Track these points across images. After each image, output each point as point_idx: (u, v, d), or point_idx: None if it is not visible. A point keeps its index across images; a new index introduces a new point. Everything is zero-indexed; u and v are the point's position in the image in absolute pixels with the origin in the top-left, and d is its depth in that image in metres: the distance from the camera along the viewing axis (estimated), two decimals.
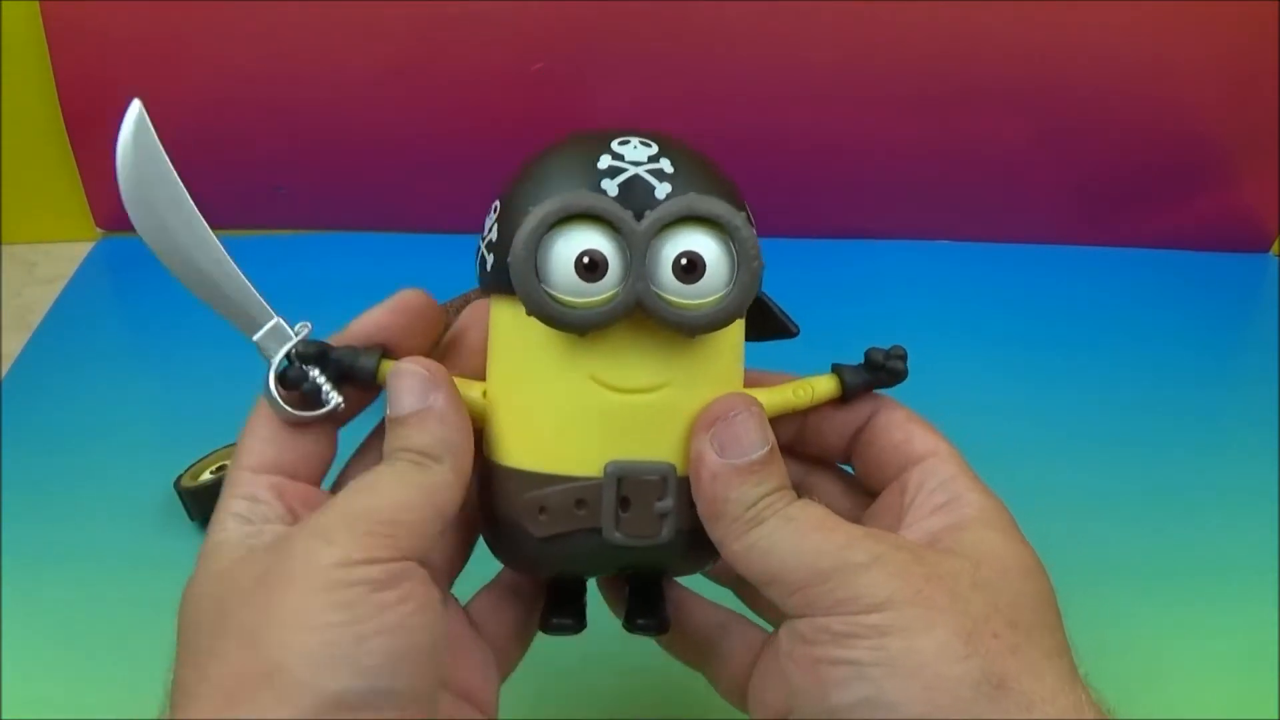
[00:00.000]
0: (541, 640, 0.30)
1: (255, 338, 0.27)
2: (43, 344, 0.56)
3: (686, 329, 0.25)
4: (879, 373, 0.29)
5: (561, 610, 0.29)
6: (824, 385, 0.29)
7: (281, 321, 0.27)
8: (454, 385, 0.26)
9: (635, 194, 0.25)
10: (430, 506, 0.25)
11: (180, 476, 0.45)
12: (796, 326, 0.29)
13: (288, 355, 0.27)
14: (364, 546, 0.23)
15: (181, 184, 0.30)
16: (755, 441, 0.26)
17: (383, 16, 0.56)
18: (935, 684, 0.23)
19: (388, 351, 0.27)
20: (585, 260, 0.24)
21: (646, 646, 0.31)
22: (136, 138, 0.30)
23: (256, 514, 0.26)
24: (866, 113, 0.59)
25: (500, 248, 0.26)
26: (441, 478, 0.25)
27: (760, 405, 0.26)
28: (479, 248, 0.28)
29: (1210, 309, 0.60)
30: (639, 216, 0.25)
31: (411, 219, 0.64)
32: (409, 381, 0.26)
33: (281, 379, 0.26)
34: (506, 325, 0.27)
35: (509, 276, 0.25)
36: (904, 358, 0.29)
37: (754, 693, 0.28)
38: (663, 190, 0.25)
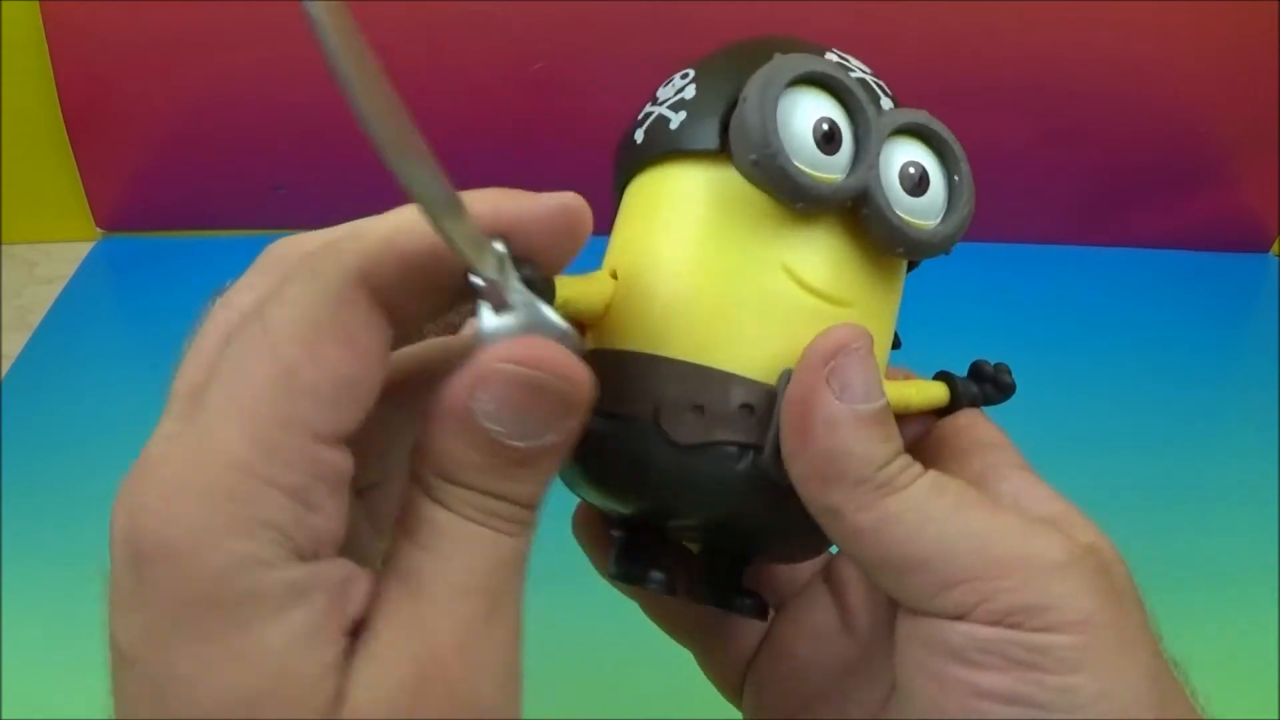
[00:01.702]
0: (536, 641, 0.28)
1: (457, 241, 0.17)
2: (43, 344, 0.56)
3: (900, 243, 0.22)
4: (987, 385, 0.25)
5: (645, 558, 0.23)
6: (936, 391, 0.25)
7: (482, 235, 0.18)
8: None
9: (869, 92, 0.22)
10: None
11: None
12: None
13: (514, 281, 0.18)
14: (513, 706, 0.17)
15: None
16: (876, 387, 0.20)
17: (383, 17, 0.56)
18: None
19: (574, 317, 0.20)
20: (825, 127, 0.21)
21: (643, 644, 0.30)
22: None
23: (308, 534, 0.17)
24: None
25: (701, 104, 0.22)
26: (527, 547, 0.18)
27: (873, 341, 0.21)
28: (644, 115, 0.24)
29: (1210, 309, 0.60)
30: (877, 109, 0.22)
31: None
32: (537, 401, 0.17)
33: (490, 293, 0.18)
34: (678, 193, 0.22)
35: (705, 132, 0.22)
36: (1010, 373, 0.26)
37: (764, 682, 0.25)
38: (888, 103, 0.23)
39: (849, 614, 0.25)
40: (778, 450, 0.20)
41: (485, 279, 0.18)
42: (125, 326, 0.60)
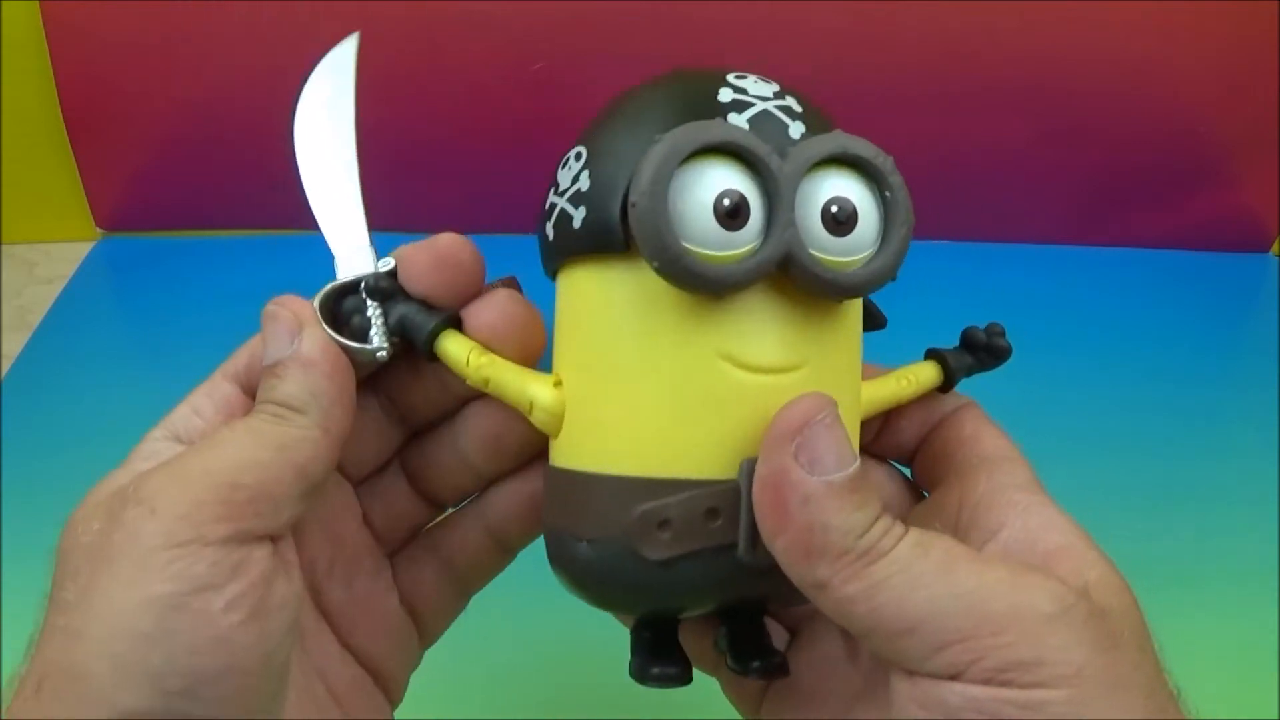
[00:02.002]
0: (536, 641, 0.29)
1: (337, 250, 0.25)
2: (43, 344, 0.56)
3: (838, 292, 0.21)
4: (981, 353, 0.25)
5: (660, 654, 0.23)
6: (926, 373, 0.25)
7: (372, 255, 0.24)
8: (322, 328, 0.23)
9: (769, 132, 0.21)
10: (286, 465, 0.21)
11: None
12: (884, 317, 0.25)
13: (359, 282, 0.23)
14: (193, 520, 0.19)
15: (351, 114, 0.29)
16: (847, 454, 0.20)
17: (383, 17, 0.56)
18: None
19: (457, 321, 0.23)
20: (726, 203, 0.20)
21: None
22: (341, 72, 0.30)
23: (188, 430, 0.23)
24: (866, 113, 0.59)
25: (597, 199, 0.21)
26: (302, 431, 0.21)
27: (836, 405, 0.21)
28: (550, 207, 0.23)
29: (1210, 309, 0.60)
30: (782, 156, 0.20)
31: (411, 219, 0.64)
32: (274, 326, 0.23)
33: (339, 302, 0.23)
34: (599, 296, 0.22)
35: (608, 234, 0.21)
36: (1004, 333, 0.25)
37: (779, 708, 0.26)
38: (796, 130, 0.21)
39: (854, 645, 0.25)
40: (754, 539, 0.20)
41: (336, 258, 0.24)
42: (125, 326, 0.60)
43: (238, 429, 0.21)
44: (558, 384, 0.22)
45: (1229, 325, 0.59)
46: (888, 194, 0.21)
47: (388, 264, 0.24)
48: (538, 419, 0.23)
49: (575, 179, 0.22)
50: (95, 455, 0.51)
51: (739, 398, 0.21)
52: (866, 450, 0.26)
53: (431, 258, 0.23)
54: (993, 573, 0.19)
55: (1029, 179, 0.62)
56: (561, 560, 0.23)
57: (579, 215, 0.21)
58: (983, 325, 0.25)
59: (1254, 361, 0.56)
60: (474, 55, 0.58)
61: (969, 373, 0.25)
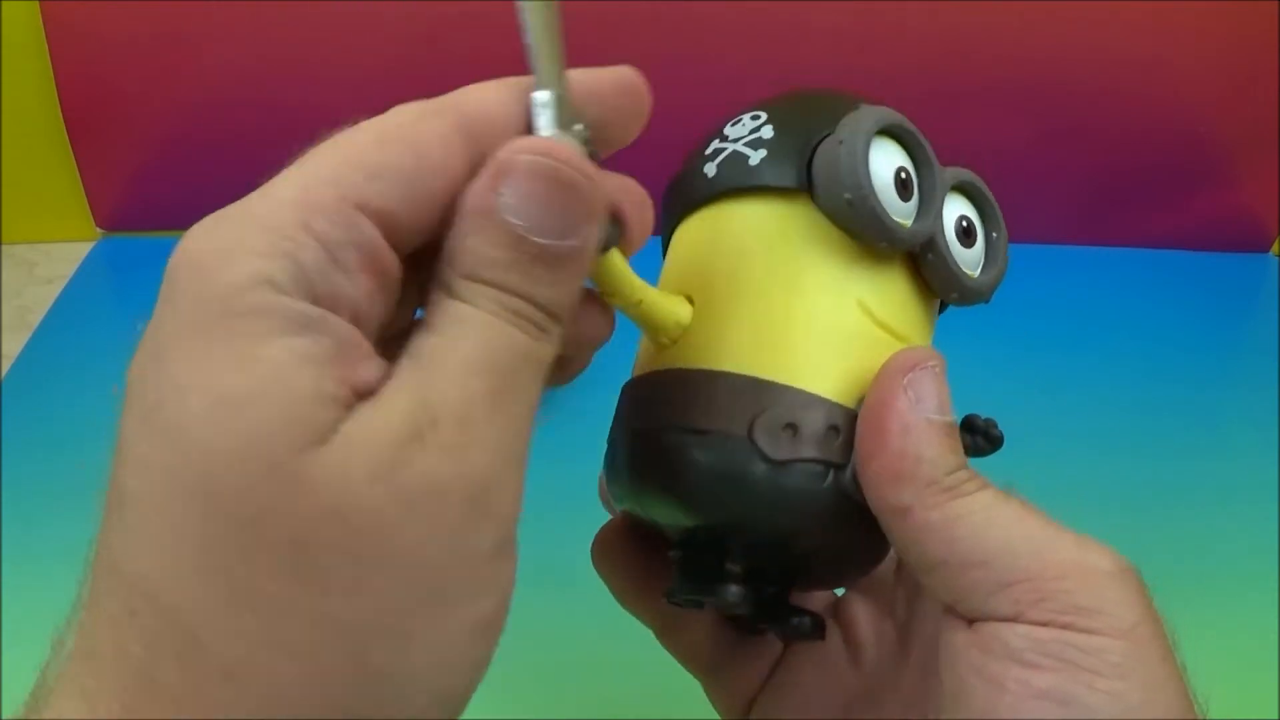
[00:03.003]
0: (533, 643, 0.28)
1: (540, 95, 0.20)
2: (43, 344, 0.56)
3: (955, 287, 0.24)
4: (978, 438, 0.26)
5: (714, 576, 0.23)
6: None
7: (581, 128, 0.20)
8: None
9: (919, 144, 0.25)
10: (541, 369, 0.18)
11: None
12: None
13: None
14: (514, 515, 0.17)
15: None
16: (947, 402, 0.21)
17: (383, 16, 0.56)
18: None
19: (624, 237, 0.21)
20: (904, 176, 0.23)
21: (640, 649, 0.30)
22: None
23: (329, 287, 0.17)
24: None
25: (782, 144, 0.24)
26: (551, 349, 0.18)
27: (945, 362, 0.22)
28: (714, 151, 0.24)
29: (1210, 309, 0.60)
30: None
31: None
32: (569, 197, 0.18)
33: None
34: (759, 227, 0.23)
35: (788, 171, 0.23)
36: (997, 426, 0.26)
37: (771, 713, 0.26)
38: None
39: (856, 648, 0.26)
40: (856, 475, 0.21)
41: (546, 100, 0.20)
42: (125, 326, 0.59)
43: (508, 352, 0.17)
44: (688, 298, 0.24)
45: (1229, 325, 0.59)
46: (995, 234, 0.25)
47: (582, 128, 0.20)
48: (673, 335, 0.23)
49: (754, 130, 0.24)
50: (95, 455, 0.51)
51: (865, 341, 0.22)
52: None
53: (636, 105, 0.21)
54: (1062, 531, 0.21)
55: (1029, 179, 0.62)
56: (653, 455, 0.23)
57: (757, 155, 0.24)
58: (983, 418, 0.27)
59: (1254, 361, 0.56)
60: (474, 55, 0.58)
61: (966, 452, 0.26)
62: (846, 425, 0.22)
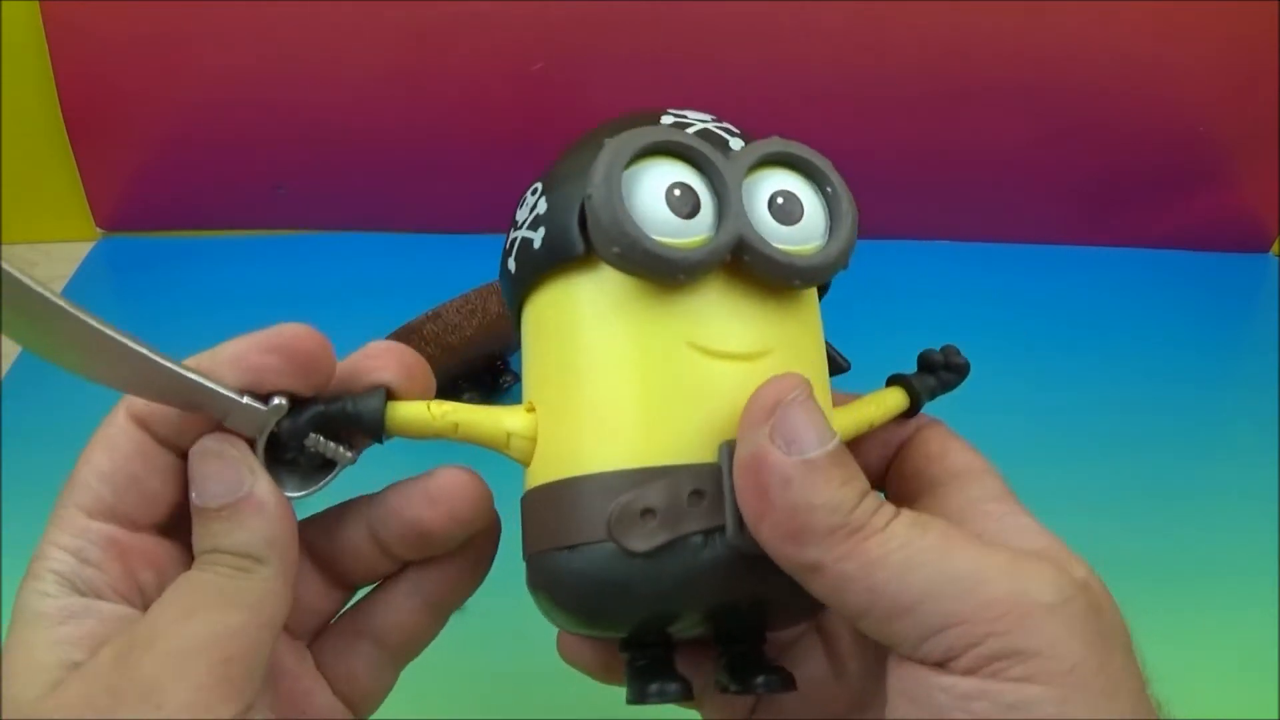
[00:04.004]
0: (530, 645, 0.28)
1: (227, 423, 0.23)
2: None
3: (792, 275, 0.21)
4: (941, 372, 0.25)
5: (656, 672, 0.22)
6: (892, 398, 0.25)
7: (247, 400, 0.22)
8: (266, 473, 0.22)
9: (711, 142, 0.22)
10: (262, 625, 0.20)
11: None
12: (848, 362, 0.25)
13: (272, 436, 0.22)
14: (201, 707, 0.19)
15: (68, 306, 0.23)
16: (824, 430, 0.19)
17: (383, 17, 0.56)
18: None
19: (391, 392, 0.23)
20: (678, 193, 0.21)
21: None
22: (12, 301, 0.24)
23: (84, 580, 0.21)
24: (866, 113, 0.59)
25: (555, 215, 0.22)
26: (266, 584, 0.21)
27: (810, 384, 0.20)
28: (510, 243, 0.23)
29: (1210, 309, 0.60)
30: (725, 155, 0.22)
31: (411, 219, 0.64)
32: (218, 466, 0.21)
33: (275, 458, 0.23)
34: (565, 309, 0.22)
35: (567, 241, 0.21)
36: (959, 352, 0.26)
37: None
38: (736, 143, 0.22)
39: (839, 662, 0.25)
40: (740, 522, 0.20)
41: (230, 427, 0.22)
42: (125, 326, 0.59)
43: (198, 589, 0.21)
44: (530, 409, 0.23)
45: (1229, 325, 0.59)
46: (829, 189, 0.22)
47: (279, 401, 0.22)
48: (515, 447, 0.23)
49: (533, 208, 0.23)
50: None
51: (711, 384, 0.21)
52: None
53: (288, 361, 0.22)
54: (993, 557, 0.19)
55: (1029, 179, 0.62)
56: (543, 580, 0.22)
57: (538, 236, 0.22)
58: (947, 343, 0.26)
59: (1254, 361, 0.56)
60: (474, 55, 0.58)
61: (933, 394, 0.25)
62: (713, 482, 0.20)
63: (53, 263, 0.62)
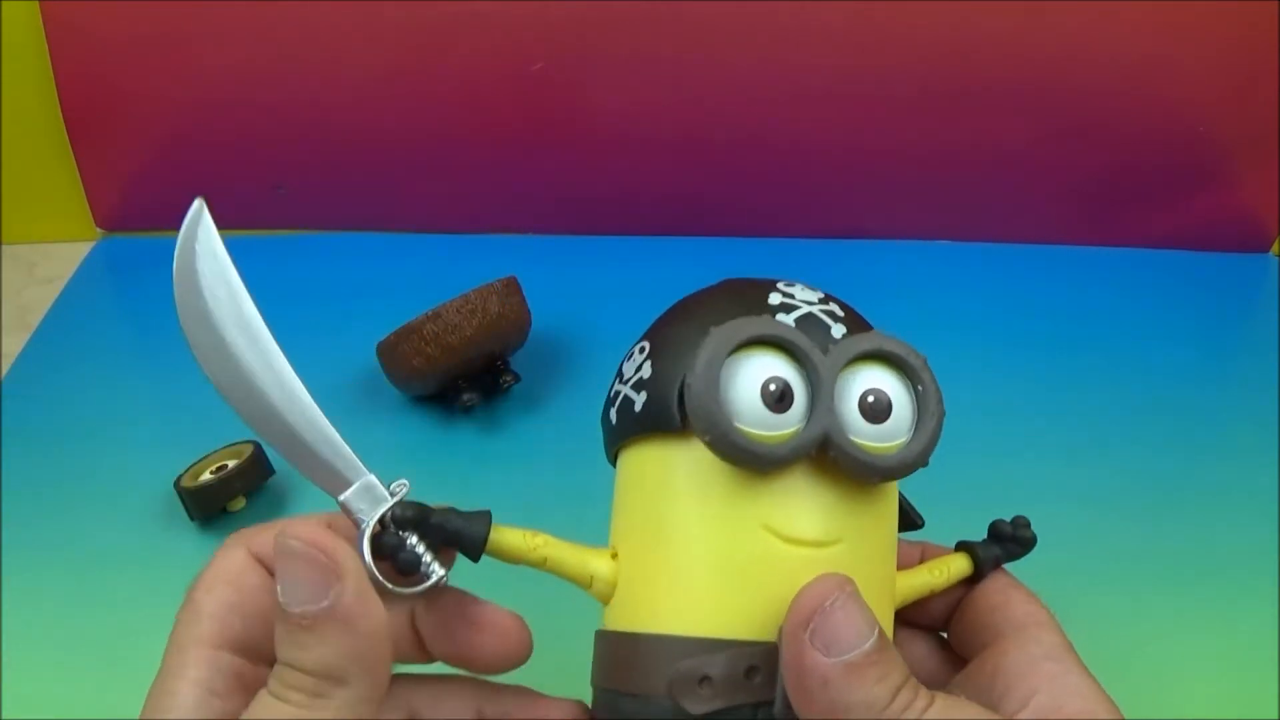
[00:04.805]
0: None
1: (341, 497, 0.23)
2: (43, 344, 0.56)
3: (873, 474, 0.22)
4: (1009, 544, 0.27)
5: None
6: (957, 565, 0.27)
7: (374, 479, 0.23)
8: (361, 571, 0.21)
9: (815, 330, 0.23)
10: None
11: (180, 476, 0.45)
12: (922, 519, 0.27)
13: (382, 519, 0.23)
14: None
15: (255, 309, 0.24)
16: (863, 629, 0.21)
17: (383, 17, 0.56)
18: None
19: (491, 515, 0.24)
20: (773, 388, 0.22)
21: None
22: (200, 244, 0.25)
23: (212, 711, 0.21)
24: (866, 113, 0.59)
25: (657, 385, 0.23)
26: (349, 711, 0.20)
27: (853, 582, 0.22)
28: (615, 395, 0.25)
29: (1210, 309, 0.60)
30: (824, 350, 0.23)
31: (411, 219, 0.64)
32: (302, 567, 0.20)
33: (376, 546, 0.23)
34: (657, 472, 0.24)
35: (665, 414, 0.23)
36: (1029, 526, 0.27)
37: None
38: (839, 330, 0.24)
39: None
40: (787, 703, 0.22)
41: (345, 504, 0.23)
42: (125, 326, 0.60)
43: None
44: (614, 556, 0.24)
45: (1229, 325, 0.59)
46: (919, 388, 0.23)
47: (400, 487, 0.23)
48: (597, 590, 0.24)
49: (639, 368, 0.24)
50: (95, 455, 0.51)
51: (780, 568, 0.22)
52: (905, 621, 0.27)
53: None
54: None
55: (1029, 179, 0.62)
56: (604, 713, 0.24)
57: (640, 399, 0.24)
58: (1009, 521, 0.27)
59: (1254, 361, 0.56)
60: (474, 55, 0.58)
61: (997, 564, 0.27)
62: (769, 660, 0.22)
63: (53, 263, 0.62)
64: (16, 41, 0.57)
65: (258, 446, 0.45)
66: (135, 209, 0.63)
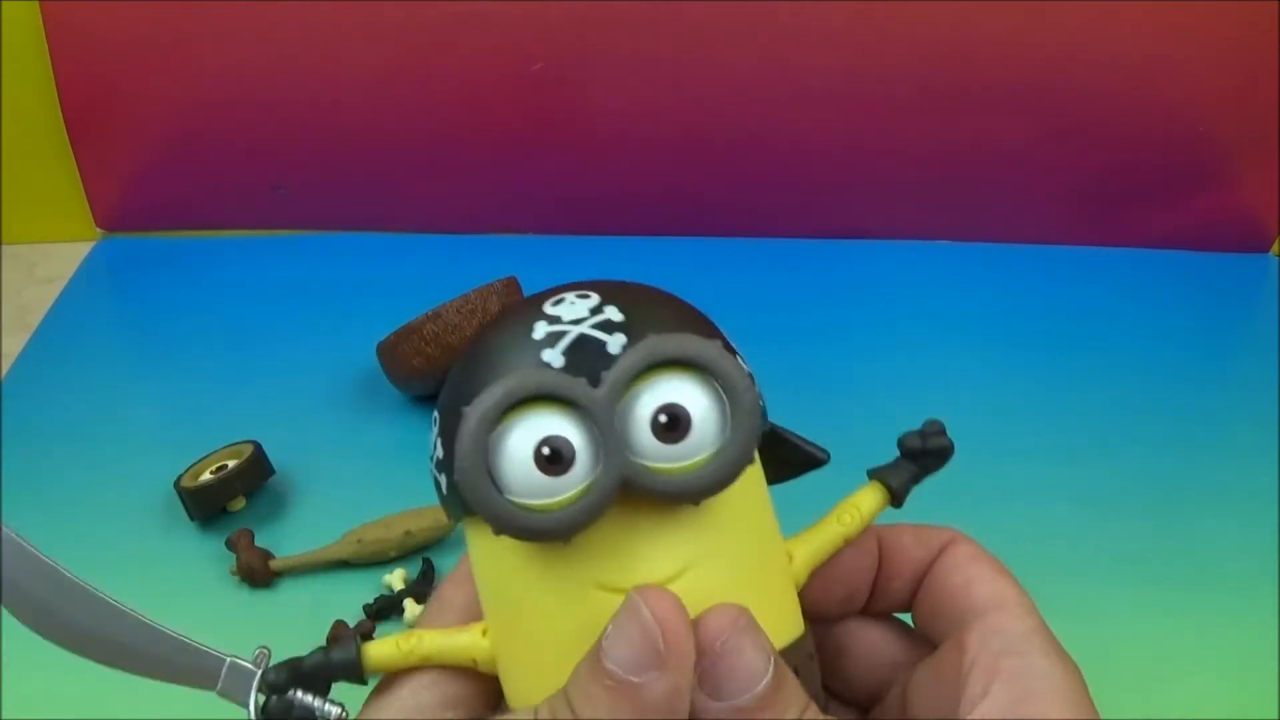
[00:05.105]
0: None
1: (218, 689, 0.23)
2: (43, 344, 0.56)
3: (688, 497, 0.20)
4: (923, 458, 0.24)
5: None
6: (869, 501, 0.24)
7: (236, 660, 0.23)
8: (685, 674, 0.20)
9: (585, 356, 0.20)
10: None
11: (180, 476, 0.45)
12: (826, 453, 0.25)
13: (258, 690, 0.23)
14: None
15: (67, 574, 0.24)
16: (756, 668, 0.20)
17: (383, 16, 0.56)
18: None
19: (364, 632, 0.25)
20: (545, 451, 0.20)
21: None
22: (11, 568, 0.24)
23: None
24: (866, 113, 0.59)
25: (447, 466, 0.21)
26: None
27: (747, 613, 0.20)
28: (431, 470, 0.23)
29: (1210, 309, 0.60)
30: (595, 382, 0.20)
31: (411, 219, 0.64)
32: (638, 635, 0.19)
33: (268, 717, 0.23)
34: (485, 550, 0.22)
35: (458, 502, 0.21)
36: (943, 431, 0.24)
37: None
38: (616, 343, 0.21)
39: None
40: None
41: (222, 694, 0.23)
42: (125, 326, 0.60)
43: None
44: (484, 631, 0.23)
45: (1229, 325, 0.59)
46: (721, 385, 0.20)
47: (260, 656, 0.24)
48: (484, 669, 0.23)
49: (434, 446, 0.22)
50: (95, 455, 0.51)
51: None
52: (867, 612, 0.26)
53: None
54: None
55: (1029, 179, 0.62)
56: None
57: (443, 482, 0.22)
58: (917, 431, 0.25)
59: (1254, 361, 0.56)
60: (474, 55, 0.58)
61: (914, 482, 0.25)
62: None
63: (53, 263, 0.62)
64: (16, 41, 0.57)
65: (258, 446, 0.45)
66: (135, 209, 0.63)
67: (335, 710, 0.23)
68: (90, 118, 0.60)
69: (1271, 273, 0.63)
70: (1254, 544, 0.45)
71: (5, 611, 0.23)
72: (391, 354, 0.48)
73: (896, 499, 0.24)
